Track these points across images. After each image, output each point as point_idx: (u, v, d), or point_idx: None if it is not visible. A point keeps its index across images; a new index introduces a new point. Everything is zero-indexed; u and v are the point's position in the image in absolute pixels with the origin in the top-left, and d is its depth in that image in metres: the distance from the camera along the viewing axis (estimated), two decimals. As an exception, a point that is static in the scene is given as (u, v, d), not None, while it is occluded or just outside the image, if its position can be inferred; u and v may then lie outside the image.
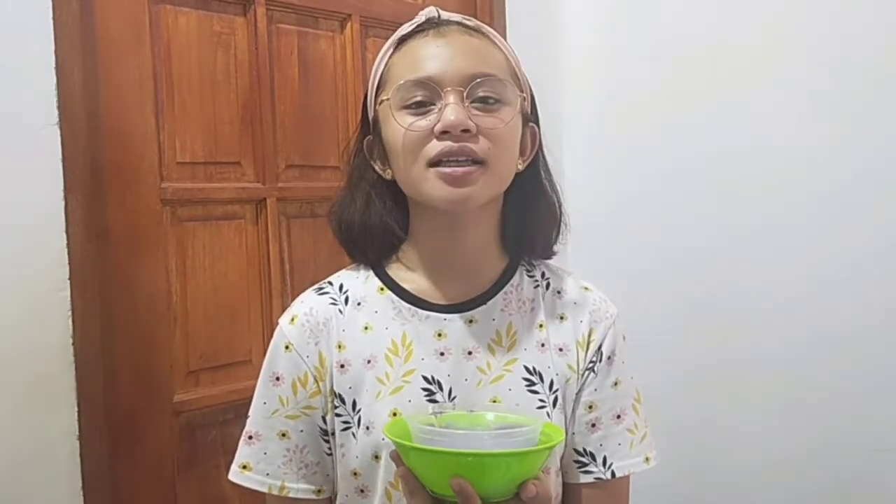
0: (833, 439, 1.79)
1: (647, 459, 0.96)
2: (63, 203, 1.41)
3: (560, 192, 1.00)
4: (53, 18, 1.39)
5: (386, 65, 0.94)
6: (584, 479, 0.94)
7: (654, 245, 2.09)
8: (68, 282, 1.42)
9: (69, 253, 1.42)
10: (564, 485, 0.96)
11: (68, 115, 1.41)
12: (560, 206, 0.99)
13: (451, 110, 0.86)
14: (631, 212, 2.14)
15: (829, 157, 1.78)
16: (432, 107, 0.88)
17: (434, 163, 0.87)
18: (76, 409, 1.43)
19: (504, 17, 2.12)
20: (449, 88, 0.87)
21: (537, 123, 0.98)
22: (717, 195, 1.96)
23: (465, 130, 0.85)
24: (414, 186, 0.90)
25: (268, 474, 0.93)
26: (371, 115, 0.96)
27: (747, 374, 1.92)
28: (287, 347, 0.94)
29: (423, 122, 0.87)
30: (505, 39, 2.03)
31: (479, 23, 0.96)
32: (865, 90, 1.72)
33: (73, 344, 1.42)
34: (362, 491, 0.92)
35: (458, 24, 0.94)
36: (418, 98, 0.88)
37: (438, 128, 0.86)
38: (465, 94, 0.87)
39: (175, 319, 1.60)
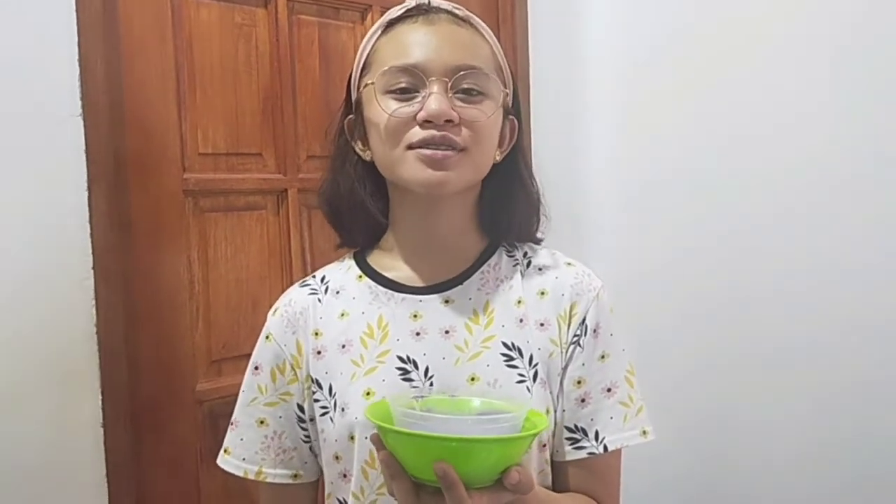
0: (858, 429, 1.77)
1: (644, 433, 0.94)
2: (86, 194, 1.43)
3: (538, 184, 1.01)
4: (77, 10, 1.41)
5: (373, 47, 0.94)
6: (577, 455, 0.92)
7: (674, 232, 2.07)
8: (92, 272, 1.43)
9: (93, 243, 1.43)
10: (557, 463, 0.94)
11: (91, 107, 1.43)
12: (538, 196, 1.01)
13: (434, 100, 0.87)
14: (652, 200, 2.12)
15: (854, 143, 1.74)
16: (416, 94, 0.89)
17: (414, 146, 0.88)
18: (100, 397, 1.45)
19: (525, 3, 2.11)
20: (434, 78, 0.88)
21: (518, 117, 0.99)
22: (740, 181, 1.93)
23: (448, 121, 0.87)
24: (392, 168, 0.91)
25: (244, 459, 0.97)
26: (354, 95, 0.97)
27: (770, 362, 1.90)
28: (268, 338, 0.99)
29: (407, 109, 0.88)
30: (526, 30, 2.06)
31: (469, 13, 0.95)
32: (889, 75, 1.69)
33: (96, 333, 1.44)
34: (345, 476, 0.93)
35: (448, 12, 0.94)
36: (403, 84, 0.89)
37: (421, 116, 0.87)
38: (449, 85, 0.88)
39: (198, 309, 1.61)
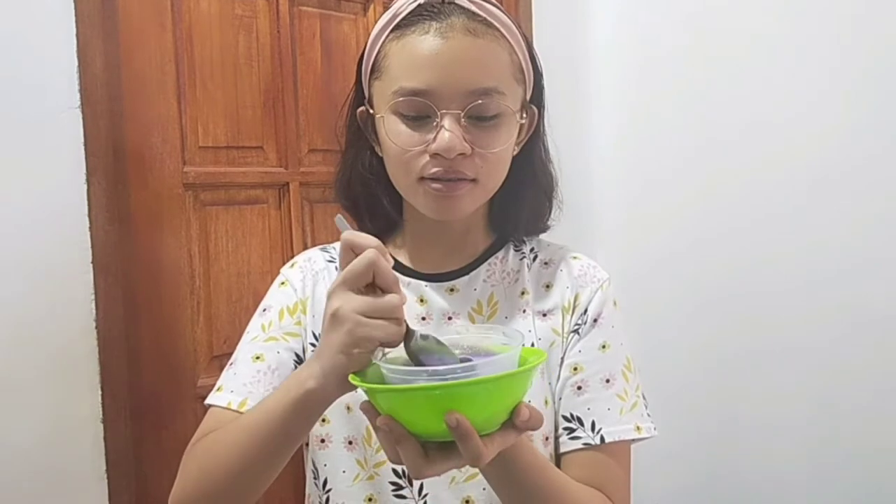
0: (865, 427, 1.75)
1: (637, 429, 0.92)
2: (85, 187, 1.41)
3: (555, 169, 1.00)
4: (75, 1, 1.39)
5: (382, 48, 0.90)
6: (573, 445, 0.90)
7: (679, 226, 2.06)
8: (91, 265, 1.42)
9: (92, 237, 1.42)
10: (559, 457, 0.92)
11: (90, 99, 1.41)
12: (552, 185, 1.00)
13: (446, 134, 0.84)
14: (658, 193, 2.10)
15: (860, 138, 1.72)
16: (428, 119, 0.86)
17: (425, 178, 0.87)
18: (100, 392, 1.44)
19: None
20: (445, 110, 0.85)
21: (539, 104, 0.96)
22: (746, 176, 1.92)
23: (461, 153, 0.85)
24: (404, 193, 0.93)
25: (232, 391, 0.91)
26: (365, 90, 0.94)
27: (775, 357, 1.89)
28: (283, 283, 0.99)
29: (417, 137, 0.86)
30: (531, 22, 2.04)
31: (486, 7, 0.89)
32: (891, 69, 1.67)
33: (96, 328, 1.43)
34: (322, 441, 0.93)
35: (464, 11, 0.87)
36: (413, 113, 0.86)
37: (433, 149, 0.85)
38: (462, 115, 0.85)
39: (198, 304, 1.60)
